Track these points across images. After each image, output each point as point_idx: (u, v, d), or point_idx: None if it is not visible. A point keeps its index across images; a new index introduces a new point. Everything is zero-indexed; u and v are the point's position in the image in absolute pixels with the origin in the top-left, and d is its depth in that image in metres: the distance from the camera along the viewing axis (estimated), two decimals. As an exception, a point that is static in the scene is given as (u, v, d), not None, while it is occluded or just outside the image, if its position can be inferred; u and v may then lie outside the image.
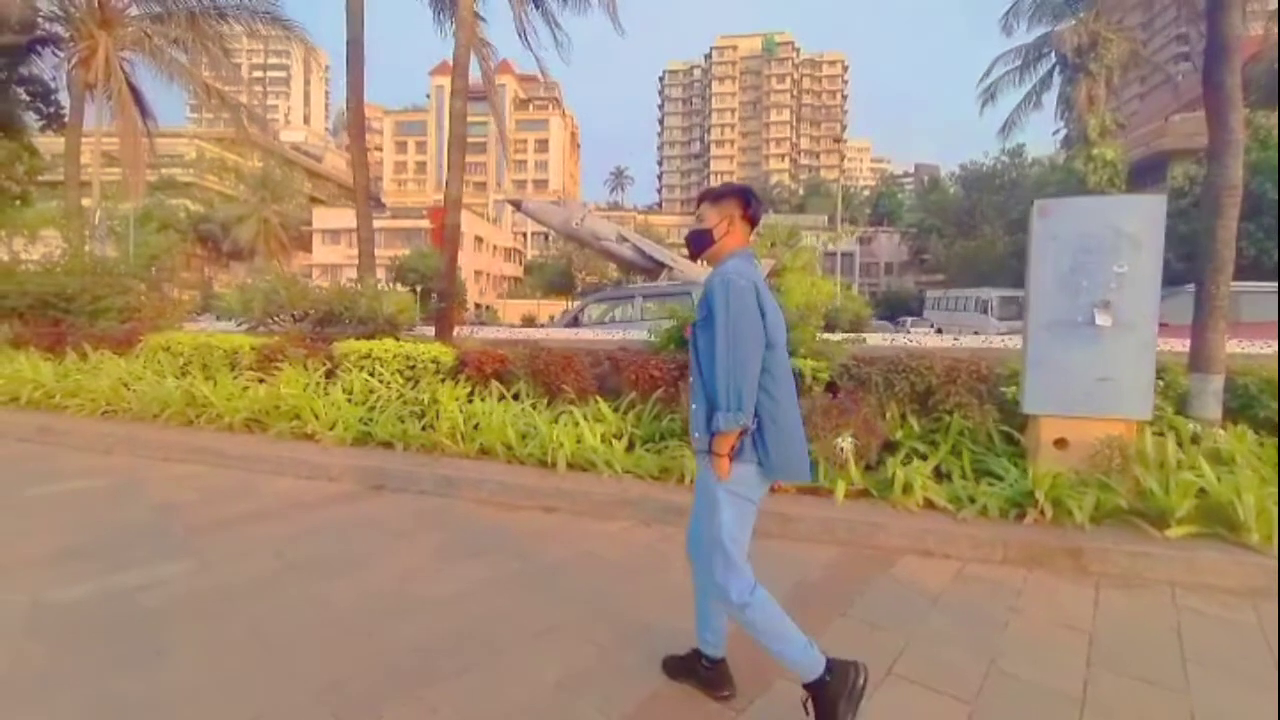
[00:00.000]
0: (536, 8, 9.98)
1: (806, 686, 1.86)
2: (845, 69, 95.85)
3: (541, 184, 72.50)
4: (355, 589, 2.84)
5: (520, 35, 9.72)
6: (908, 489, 3.82)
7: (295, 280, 9.17)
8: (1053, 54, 25.09)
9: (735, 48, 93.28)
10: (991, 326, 21.73)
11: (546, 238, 72.66)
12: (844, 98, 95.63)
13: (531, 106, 74.92)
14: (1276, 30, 18.47)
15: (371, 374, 6.30)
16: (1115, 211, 4.02)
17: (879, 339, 8.49)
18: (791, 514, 3.64)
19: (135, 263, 11.17)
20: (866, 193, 77.57)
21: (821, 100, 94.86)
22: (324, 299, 8.37)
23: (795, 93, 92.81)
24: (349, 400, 5.87)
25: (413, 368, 6.37)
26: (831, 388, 5.29)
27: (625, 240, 25.70)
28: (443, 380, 6.14)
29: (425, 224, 52.50)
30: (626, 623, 2.56)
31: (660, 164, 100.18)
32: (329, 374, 6.47)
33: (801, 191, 75.62)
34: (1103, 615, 2.67)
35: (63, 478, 4.60)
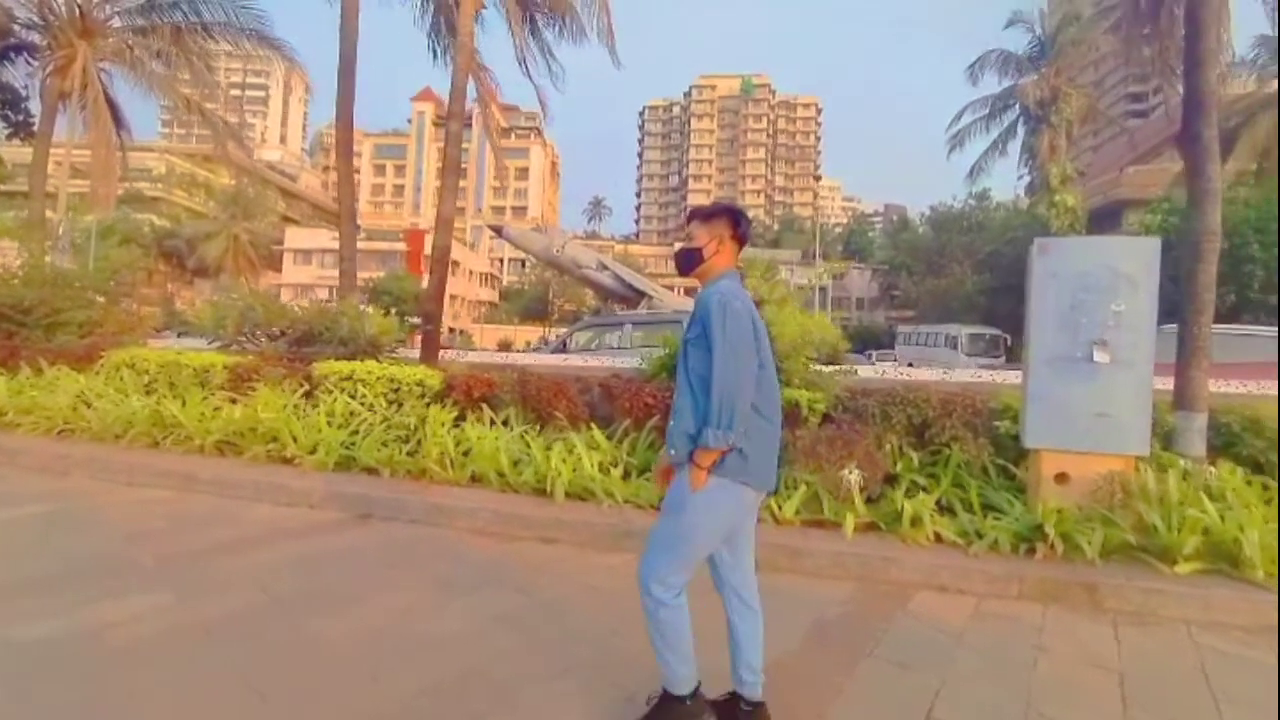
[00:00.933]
0: (533, 37, 10.10)
1: (665, 692, 1.94)
2: (819, 111, 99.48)
3: (520, 211, 72.81)
4: (350, 626, 2.64)
5: (520, 63, 9.80)
6: (916, 523, 3.77)
7: (271, 298, 8.89)
8: (1017, 105, 26.41)
9: (714, 87, 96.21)
10: (960, 361, 22.30)
11: (523, 264, 72.67)
12: (817, 138, 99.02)
13: (513, 135, 75.63)
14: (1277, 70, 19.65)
15: (354, 396, 6.07)
16: (1112, 252, 4.13)
17: (871, 371, 8.57)
18: (801, 548, 3.55)
19: (96, 276, 10.69)
20: (838, 230, 79.79)
21: (795, 140, 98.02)
22: (303, 318, 8.12)
23: (771, 132, 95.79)
24: (329, 423, 5.63)
25: (396, 390, 6.16)
26: (827, 418, 5.28)
27: (606, 268, 25.81)
28: (428, 404, 5.95)
29: (401, 246, 52.14)
30: (647, 664, 2.40)
31: (639, 195, 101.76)
32: (307, 395, 6.22)
33: (776, 227, 77.41)
34: (1127, 654, 2.63)
35: (16, 502, 4.25)
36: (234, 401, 6.21)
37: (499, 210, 75.25)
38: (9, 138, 13.15)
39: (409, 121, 76.31)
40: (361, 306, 9.35)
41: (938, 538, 3.68)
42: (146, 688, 2.13)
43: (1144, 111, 59.66)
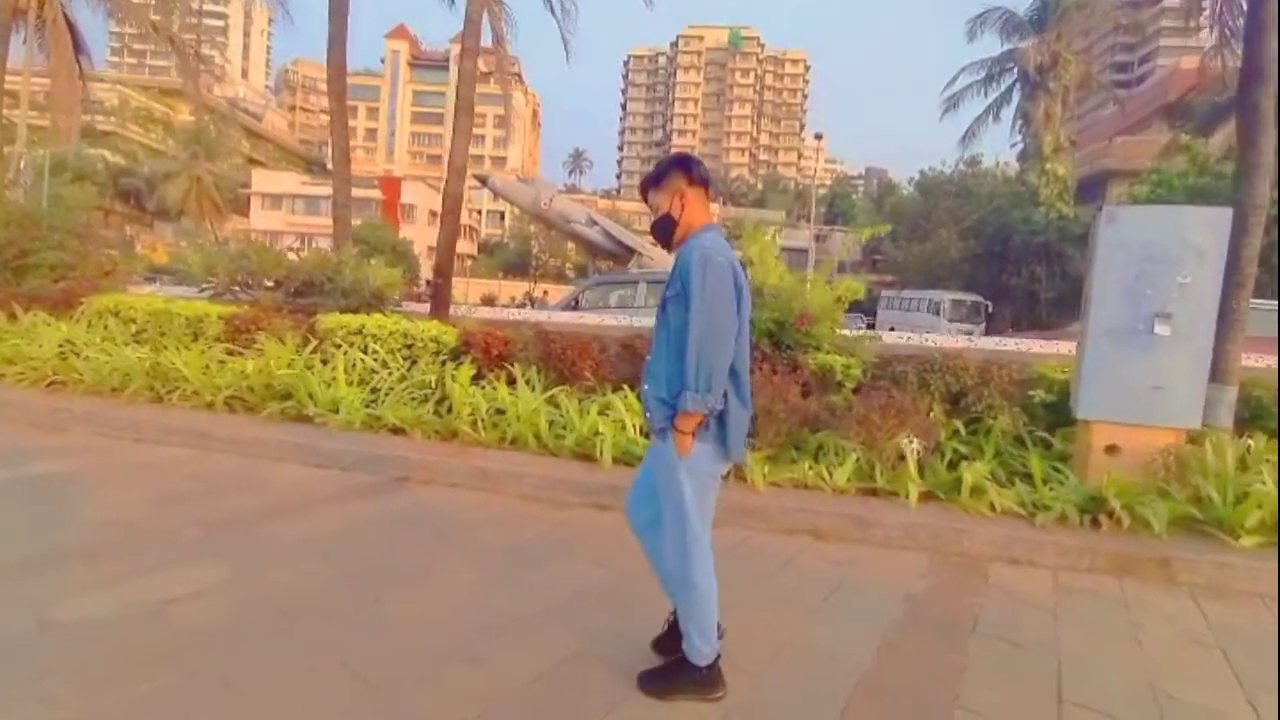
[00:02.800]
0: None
1: (682, 656, 1.94)
2: (807, 68, 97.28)
3: (500, 161, 70.36)
4: (428, 603, 2.48)
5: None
6: (976, 492, 3.73)
7: (265, 246, 8.38)
8: (1015, 69, 26.05)
9: (702, 38, 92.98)
10: (942, 327, 22.61)
11: (502, 216, 70.78)
12: (804, 96, 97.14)
13: (492, 80, 72.45)
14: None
15: (364, 351, 5.78)
16: (1183, 222, 4.03)
17: (895, 337, 8.51)
18: (867, 517, 3.48)
19: (63, 216, 9.96)
20: (822, 191, 79.25)
21: (782, 97, 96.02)
22: (302, 267, 7.67)
23: (758, 88, 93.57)
24: (347, 381, 5.35)
25: (410, 347, 5.89)
26: (860, 385, 5.21)
27: (595, 224, 25.21)
28: (443, 362, 5.71)
29: (376, 194, 50.07)
30: (765, 638, 2.30)
31: (621, 149, 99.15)
32: (312, 350, 5.91)
33: (760, 186, 76.54)
34: (1218, 629, 2.63)
35: (18, 460, 3.93)
36: (233, 354, 5.87)
37: (477, 159, 72.62)
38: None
39: (382, 61, 72.29)
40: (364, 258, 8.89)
41: (994, 507, 3.65)
42: (239, 675, 1.94)
43: (1128, 81, 59.76)
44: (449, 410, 5.09)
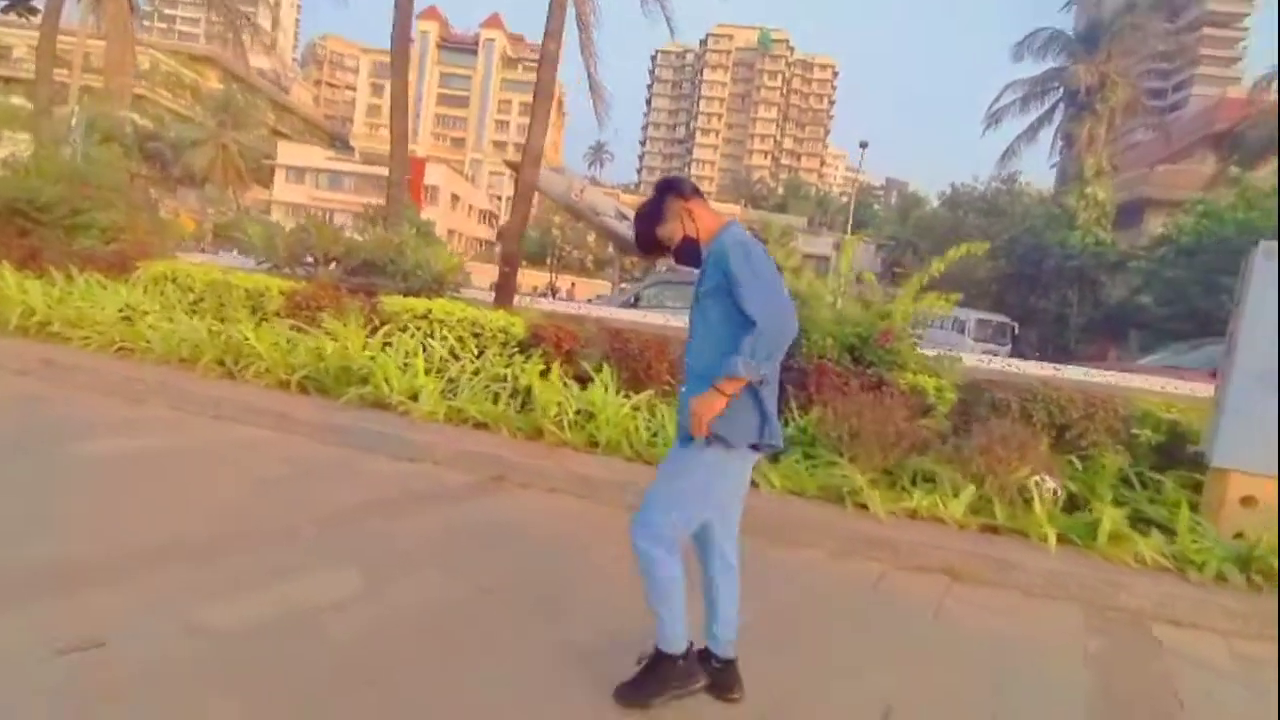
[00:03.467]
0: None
1: (658, 651, 1.86)
2: (835, 74, 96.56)
3: (523, 149, 70.13)
4: (600, 627, 2.27)
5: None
6: (1114, 539, 3.50)
7: (325, 223, 8.20)
8: (1060, 89, 25.63)
9: (731, 37, 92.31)
10: (966, 346, 22.32)
11: (522, 205, 70.48)
12: (831, 103, 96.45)
13: (520, 67, 72.10)
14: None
15: (431, 337, 5.59)
16: (1352, 262, 3.78)
17: (973, 360, 8.25)
18: (1007, 559, 3.26)
19: (112, 176, 9.80)
20: (844, 199, 78.72)
21: (809, 103, 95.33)
22: (364, 246, 7.49)
23: (785, 91, 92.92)
24: (425, 369, 5.15)
25: (478, 336, 5.70)
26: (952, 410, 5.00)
27: (625, 218, 24.94)
28: (511, 354, 5.52)
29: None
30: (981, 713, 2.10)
31: (643, 144, 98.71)
32: (373, 331, 5.73)
33: (781, 191, 76.03)
34: None
35: (104, 432, 3.74)
36: (299, 331, 5.69)
37: (500, 145, 72.40)
38: (4, 10, 11.77)
39: (412, 40, 72.00)
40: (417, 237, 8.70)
41: (1138, 558, 3.43)
42: (450, 708, 1.74)
43: (1162, 108, 59.03)
44: (523, 406, 4.91)
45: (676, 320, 7.13)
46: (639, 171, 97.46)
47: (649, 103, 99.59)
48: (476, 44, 73.03)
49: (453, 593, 2.42)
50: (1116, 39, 23.52)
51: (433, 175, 48.11)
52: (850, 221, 30.40)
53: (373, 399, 4.82)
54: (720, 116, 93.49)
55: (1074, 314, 26.42)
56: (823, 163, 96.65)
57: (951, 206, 35.35)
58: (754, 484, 3.90)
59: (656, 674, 1.86)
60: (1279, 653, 2.41)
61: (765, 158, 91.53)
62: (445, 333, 5.64)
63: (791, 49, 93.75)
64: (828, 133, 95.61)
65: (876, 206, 72.16)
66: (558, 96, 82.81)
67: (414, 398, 4.79)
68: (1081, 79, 23.20)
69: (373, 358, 4.99)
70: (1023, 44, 25.56)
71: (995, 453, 3.96)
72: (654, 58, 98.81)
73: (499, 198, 65.87)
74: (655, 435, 4.38)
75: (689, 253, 1.91)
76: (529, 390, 5.04)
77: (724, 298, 1.74)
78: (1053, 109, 26.33)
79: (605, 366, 5.32)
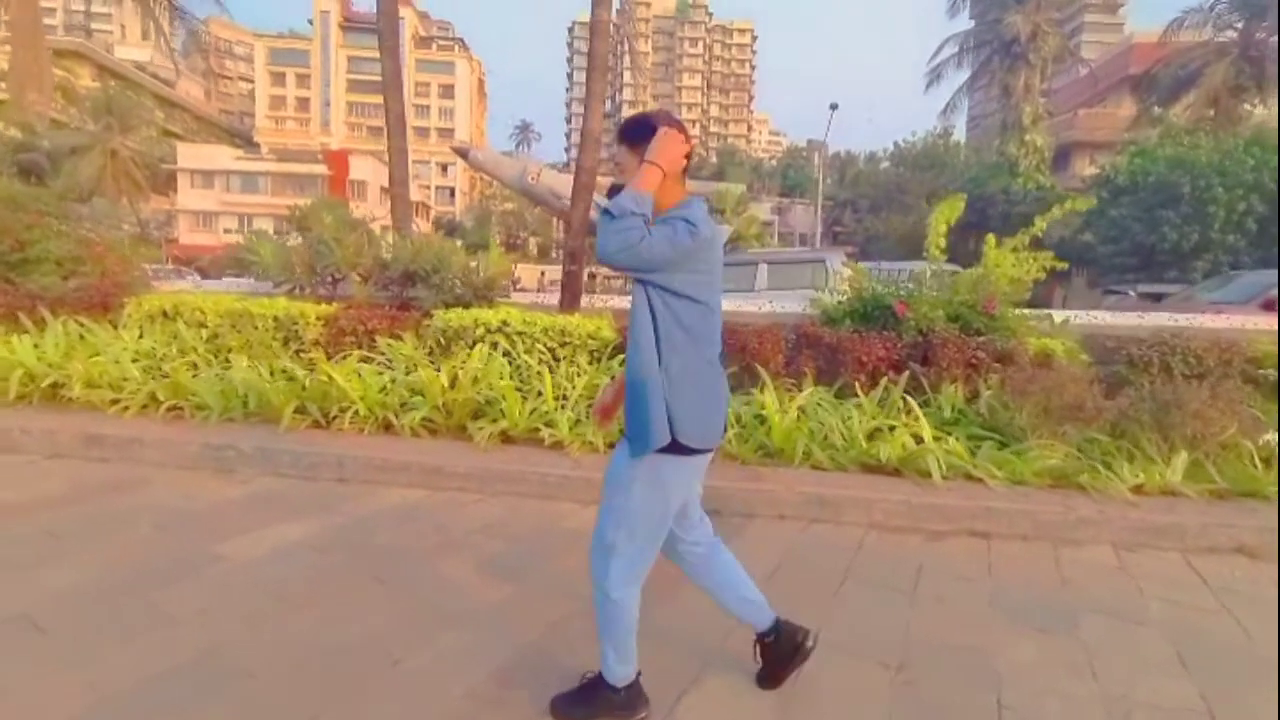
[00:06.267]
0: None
1: (600, 677, 1.77)
2: (754, 38, 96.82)
3: (447, 133, 66.78)
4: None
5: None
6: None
7: (343, 231, 7.23)
8: (995, 41, 26.49)
9: (649, 4, 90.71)
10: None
11: (451, 193, 67.62)
12: (752, 68, 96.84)
13: (435, 46, 68.27)
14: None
15: (509, 353, 5.01)
16: None
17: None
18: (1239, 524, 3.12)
19: (47, 198, 8.37)
20: (774, 163, 79.76)
21: (731, 68, 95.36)
22: (400, 257, 6.65)
23: (707, 58, 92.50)
24: (522, 392, 4.57)
25: (565, 344, 5.17)
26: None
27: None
28: (598, 360, 5.06)
29: (321, 169, 46.44)
30: None
31: (569, 121, 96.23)
32: (438, 353, 5.14)
33: (714, 159, 76.22)
34: None
35: (238, 524, 2.99)
36: (366, 361, 4.98)
37: (422, 131, 68.70)
38: None
39: (310, 22, 66.50)
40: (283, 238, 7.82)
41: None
42: None
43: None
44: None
45: (728, 303, 6.77)
46: (567, 150, 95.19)
47: (570, 76, 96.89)
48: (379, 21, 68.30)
49: (860, 679, 2.00)
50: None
51: (359, 169, 45.14)
52: (821, 181, 30.53)
53: (502, 434, 4.21)
54: (646, 87, 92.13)
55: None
56: (749, 128, 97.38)
57: (895, 163, 36.27)
58: (979, 480, 3.66)
59: (593, 700, 1.77)
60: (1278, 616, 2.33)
61: (694, 126, 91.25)
62: (526, 344, 5.07)
63: (710, 14, 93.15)
64: (751, 98, 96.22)
65: (807, 169, 73.48)
66: (478, 77, 79.23)
67: (537, 428, 4.21)
68: (1022, 29, 23.97)
69: (505, 386, 4.35)
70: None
71: (1206, 414, 3.84)
72: (571, 30, 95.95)
73: (427, 188, 62.75)
74: (823, 437, 4.00)
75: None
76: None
77: (643, 285, 1.58)
78: (988, 60, 27.23)
79: None
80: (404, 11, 68.96)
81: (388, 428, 4.34)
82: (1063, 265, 5.84)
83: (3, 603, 2.25)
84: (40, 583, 2.39)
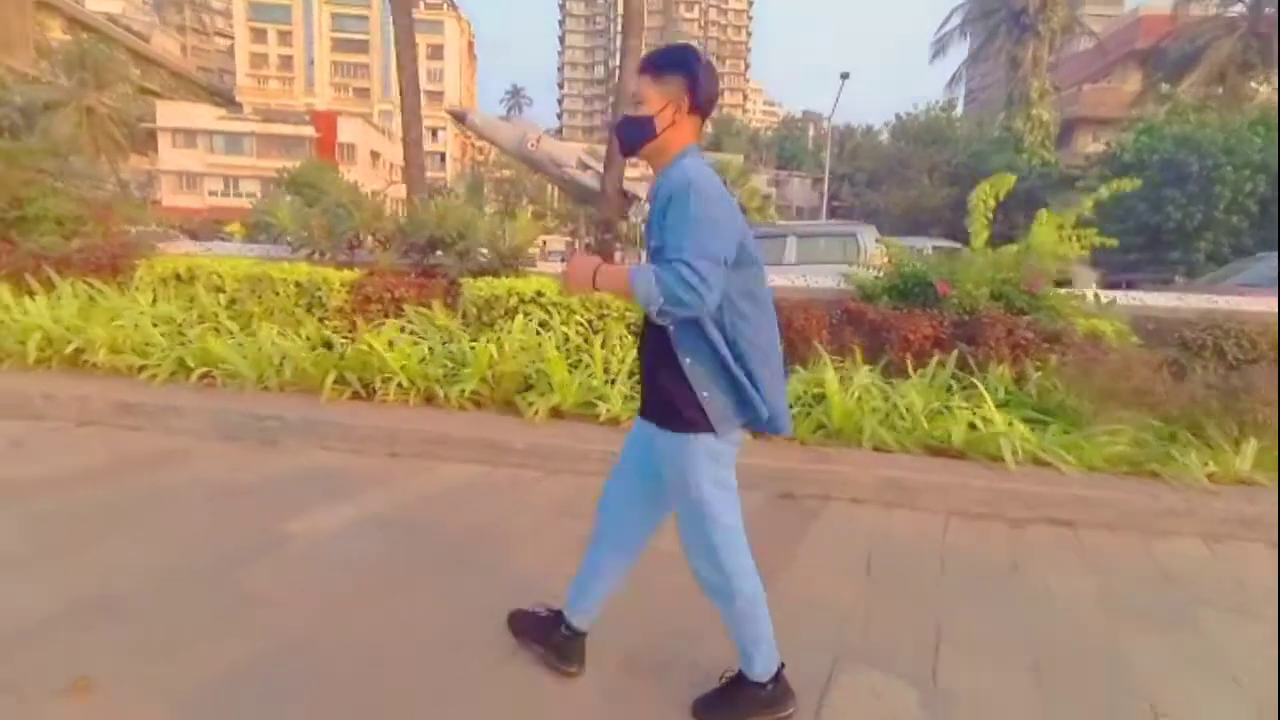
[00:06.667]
0: None
1: (742, 675, 1.68)
2: (750, 3, 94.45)
3: (436, 96, 64.76)
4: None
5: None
6: None
7: (363, 195, 6.91)
8: (1003, 10, 25.95)
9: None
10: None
11: (442, 159, 66.08)
12: (749, 35, 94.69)
13: (422, 4, 65.75)
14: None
15: (543, 326, 4.85)
16: None
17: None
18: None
19: (36, 154, 7.95)
20: (769, 134, 78.63)
21: (727, 34, 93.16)
22: (424, 222, 6.38)
23: (703, 23, 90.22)
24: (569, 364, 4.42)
25: (602, 317, 5.01)
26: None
27: (588, 168, 23.50)
28: (637, 334, 4.88)
29: (308, 131, 44.98)
30: None
31: (561, 86, 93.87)
32: (472, 324, 4.96)
33: (709, 129, 75.03)
34: None
35: (294, 499, 2.84)
36: (401, 331, 4.79)
37: (410, 94, 66.71)
38: None
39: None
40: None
41: None
42: None
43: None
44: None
45: (774, 277, 6.60)
46: (559, 116, 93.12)
47: (562, 40, 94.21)
48: (364, -23, 65.74)
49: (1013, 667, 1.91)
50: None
51: (347, 131, 43.83)
52: (830, 152, 30.07)
53: (554, 409, 4.06)
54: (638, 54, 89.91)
55: (1020, 234, 27.79)
56: (745, 97, 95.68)
57: (897, 136, 35.81)
58: (1048, 464, 3.57)
59: (737, 698, 1.67)
60: (1278, 608, 2.31)
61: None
62: (564, 316, 4.90)
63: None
64: (747, 66, 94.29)
65: (802, 140, 72.50)
66: (467, 39, 76.67)
67: (592, 403, 4.07)
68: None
69: (553, 360, 4.18)
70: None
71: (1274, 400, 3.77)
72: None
73: (416, 152, 61.18)
74: (884, 415, 3.90)
75: (632, 133, 1.54)
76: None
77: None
78: (996, 30, 26.72)
79: None
80: (391, -34, 66.31)
81: (429, 399, 4.17)
82: (1112, 242, 5.71)
83: (76, 584, 2.09)
84: (109, 562, 2.24)
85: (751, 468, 3.38)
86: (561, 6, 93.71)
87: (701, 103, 1.51)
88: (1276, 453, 3.62)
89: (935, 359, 4.69)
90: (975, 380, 4.07)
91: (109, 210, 7.03)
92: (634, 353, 4.54)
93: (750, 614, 1.60)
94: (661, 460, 1.58)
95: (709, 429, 1.48)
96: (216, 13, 76.11)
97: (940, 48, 26.59)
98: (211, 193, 40.07)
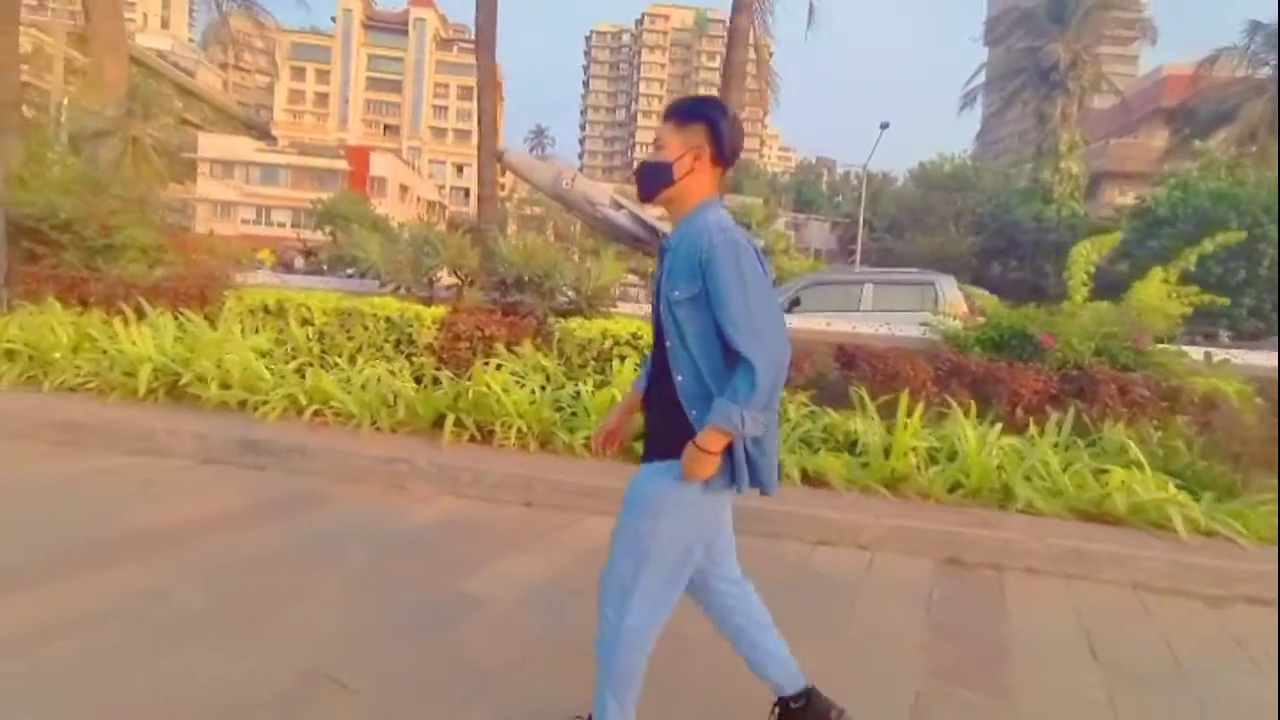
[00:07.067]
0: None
1: None
2: (771, 54, 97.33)
3: (464, 134, 66.71)
4: None
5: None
6: None
7: (444, 232, 6.95)
8: (1030, 68, 26.52)
9: (667, 17, 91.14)
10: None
11: (466, 194, 67.54)
12: (768, 83, 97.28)
13: (456, 49, 68.36)
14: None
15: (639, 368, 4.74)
16: None
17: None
18: None
19: (120, 184, 8.10)
20: (787, 178, 79.98)
21: (746, 83, 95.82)
22: (512, 259, 6.38)
23: (724, 72, 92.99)
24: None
25: None
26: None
27: (621, 207, 23.90)
28: None
29: (341, 165, 46.23)
30: None
31: (583, 128, 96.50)
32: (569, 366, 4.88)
33: (731, 173, 76.38)
34: None
35: (477, 553, 2.69)
36: (499, 371, 4.69)
37: (439, 132, 68.76)
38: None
39: (333, 20, 66.61)
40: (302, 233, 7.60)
41: None
42: None
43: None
44: (824, 446, 4.18)
45: (840, 324, 6.49)
46: (580, 156, 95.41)
47: (586, 85, 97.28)
48: (405, 23, 68.58)
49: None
50: (1088, 18, 24.45)
51: (379, 166, 44.98)
52: (864, 196, 30.35)
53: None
54: (660, 98, 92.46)
55: (1049, 284, 27.74)
56: (762, 143, 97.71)
57: (919, 184, 36.26)
58: (1215, 534, 3.37)
59: None
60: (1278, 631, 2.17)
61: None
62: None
63: (728, 29, 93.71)
64: (766, 113, 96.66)
65: (820, 185, 73.63)
66: (497, 81, 79.26)
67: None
68: (1059, 55, 23.98)
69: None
70: (992, 23, 26.24)
71: None
72: (589, 38, 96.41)
73: (441, 188, 62.69)
74: (1026, 477, 3.72)
75: (651, 179, 1.50)
76: (827, 429, 4.34)
77: (705, 310, 1.39)
78: (1021, 87, 27.25)
79: (862, 391, 4.66)
80: (425, 12, 69.30)
81: (544, 444, 4.05)
82: (1223, 301, 5.59)
83: (286, 651, 1.94)
84: (312, 626, 2.09)
85: (907, 530, 3.22)
86: (586, 53, 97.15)
87: (725, 154, 1.50)
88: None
89: (1053, 416, 4.53)
90: (1132, 443, 3.89)
91: (193, 241, 7.11)
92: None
93: (625, 668, 1.46)
94: (633, 491, 1.47)
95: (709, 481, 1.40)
96: (260, 51, 79.42)
97: (969, 99, 27.10)
98: (244, 220, 41.01)
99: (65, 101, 9.15)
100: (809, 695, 1.64)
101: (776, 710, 1.66)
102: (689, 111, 1.50)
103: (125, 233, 6.90)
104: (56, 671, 1.78)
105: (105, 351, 4.62)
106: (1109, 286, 6.52)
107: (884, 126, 23.82)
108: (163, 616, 2.09)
